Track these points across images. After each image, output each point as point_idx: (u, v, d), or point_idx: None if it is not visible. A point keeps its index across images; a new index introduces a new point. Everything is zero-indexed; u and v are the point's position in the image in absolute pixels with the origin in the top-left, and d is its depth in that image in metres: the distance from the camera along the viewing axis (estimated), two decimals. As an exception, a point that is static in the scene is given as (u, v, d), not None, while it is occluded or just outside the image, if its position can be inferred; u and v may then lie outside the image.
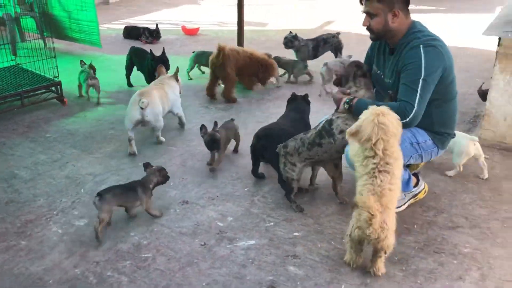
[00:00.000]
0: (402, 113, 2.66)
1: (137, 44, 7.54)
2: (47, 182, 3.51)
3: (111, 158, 3.88)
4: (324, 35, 6.18)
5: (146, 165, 3.15)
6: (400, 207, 3.10)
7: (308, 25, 8.87)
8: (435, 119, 2.97)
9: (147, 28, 7.78)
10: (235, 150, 3.92)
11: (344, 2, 10.56)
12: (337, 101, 3.02)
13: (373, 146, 2.42)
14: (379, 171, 2.40)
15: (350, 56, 5.11)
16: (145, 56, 5.22)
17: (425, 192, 3.25)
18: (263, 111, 4.85)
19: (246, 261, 2.68)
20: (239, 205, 3.22)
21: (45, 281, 2.54)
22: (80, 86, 5.21)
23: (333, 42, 6.11)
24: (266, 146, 3.33)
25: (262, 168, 3.57)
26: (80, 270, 2.62)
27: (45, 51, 5.15)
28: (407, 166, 3.18)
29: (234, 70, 5.10)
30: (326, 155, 3.04)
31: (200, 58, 5.81)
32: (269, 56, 5.52)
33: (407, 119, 2.71)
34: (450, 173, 3.54)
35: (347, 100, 2.90)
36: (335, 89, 3.26)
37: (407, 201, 3.14)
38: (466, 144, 3.39)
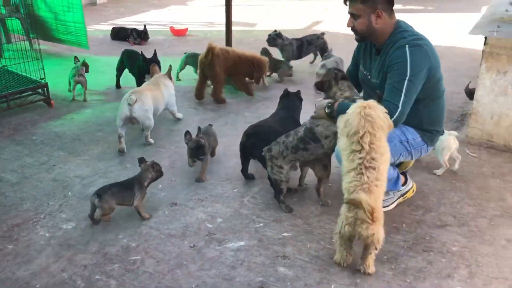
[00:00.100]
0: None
1: (124, 45, 7.51)
2: (34, 185, 3.47)
3: (99, 160, 3.84)
4: (308, 36, 6.20)
5: (141, 160, 3.17)
6: (388, 206, 3.12)
7: (297, 25, 8.88)
8: (424, 117, 2.99)
9: (135, 29, 7.74)
10: (212, 154, 3.85)
11: (332, 2, 10.58)
12: (320, 107, 3.00)
13: (360, 139, 2.41)
14: (366, 167, 2.40)
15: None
16: (138, 58, 5.18)
17: (413, 191, 3.27)
18: (252, 112, 4.85)
19: (236, 262, 2.67)
20: (228, 206, 3.21)
21: (32, 285, 2.51)
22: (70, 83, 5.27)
23: (317, 43, 6.13)
24: (256, 143, 3.32)
25: (252, 169, 3.56)
26: (68, 274, 2.59)
27: (31, 52, 5.09)
28: (396, 165, 3.20)
29: (224, 70, 5.07)
30: (313, 156, 3.05)
31: (191, 60, 5.78)
32: (266, 51, 5.60)
33: (392, 119, 2.72)
34: (439, 171, 3.56)
35: (329, 105, 2.87)
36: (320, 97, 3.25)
37: (395, 200, 3.15)
38: (446, 139, 3.41)
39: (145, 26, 7.78)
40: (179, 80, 5.83)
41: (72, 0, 6.23)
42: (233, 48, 5.49)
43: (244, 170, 3.52)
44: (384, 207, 3.06)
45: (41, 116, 4.74)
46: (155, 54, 5.07)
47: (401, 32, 2.85)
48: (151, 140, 4.10)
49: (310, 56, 6.41)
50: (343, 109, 2.69)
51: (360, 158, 2.41)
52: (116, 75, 5.53)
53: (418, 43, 2.78)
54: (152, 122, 4.07)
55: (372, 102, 2.47)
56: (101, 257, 2.71)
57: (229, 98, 5.24)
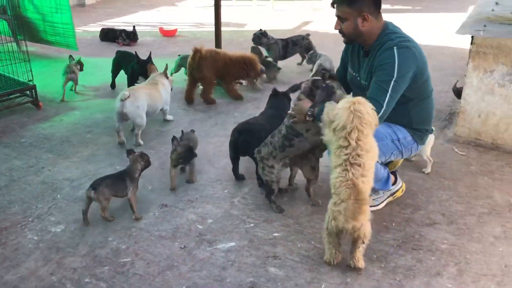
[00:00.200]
0: None
1: (114, 46, 7.49)
2: (22, 188, 3.44)
3: (89, 162, 3.82)
4: (293, 37, 6.23)
5: (129, 152, 3.21)
6: (378, 205, 3.14)
7: (286, 25, 8.90)
8: (413, 116, 3.02)
9: (124, 30, 7.70)
10: None
11: (322, 2, 10.61)
12: (299, 111, 2.93)
13: (347, 135, 2.42)
14: (351, 164, 2.41)
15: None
16: (132, 59, 5.15)
17: (402, 190, 3.29)
18: (242, 112, 4.85)
19: (226, 263, 2.67)
20: (218, 207, 3.20)
21: (21, 289, 2.49)
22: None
23: (302, 43, 6.16)
24: (248, 140, 3.33)
25: (242, 169, 3.56)
26: (57, 277, 2.57)
27: (19, 54, 5.05)
28: (386, 164, 3.22)
29: (213, 72, 5.06)
30: (300, 150, 3.05)
31: (185, 62, 5.74)
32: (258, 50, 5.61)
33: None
34: (427, 169, 3.59)
35: (309, 113, 2.85)
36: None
37: (385, 199, 3.17)
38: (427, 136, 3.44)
39: (134, 27, 7.75)
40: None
41: (60, 1, 6.17)
42: (223, 50, 5.46)
43: (235, 169, 3.51)
44: (374, 206, 3.09)
45: (29, 118, 4.70)
46: (149, 57, 5.01)
47: (389, 34, 2.86)
48: (141, 141, 4.09)
49: (298, 57, 6.43)
50: (321, 109, 2.71)
51: (346, 154, 2.42)
52: (112, 78, 5.43)
53: (406, 45, 2.80)
54: (143, 120, 4.08)
55: (361, 98, 2.48)
56: (90, 260, 2.70)
57: (219, 98, 5.23)
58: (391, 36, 2.84)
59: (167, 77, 4.58)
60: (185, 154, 3.36)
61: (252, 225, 3.01)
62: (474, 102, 3.98)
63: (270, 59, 5.94)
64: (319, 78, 3.09)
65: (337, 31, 3.01)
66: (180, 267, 2.64)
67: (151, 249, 2.79)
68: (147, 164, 3.23)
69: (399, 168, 3.54)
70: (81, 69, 5.45)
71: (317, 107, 2.81)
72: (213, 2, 6.23)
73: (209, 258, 2.71)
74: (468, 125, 4.06)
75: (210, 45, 6.25)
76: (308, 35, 6.25)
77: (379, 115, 2.71)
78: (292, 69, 6.23)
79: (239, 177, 3.52)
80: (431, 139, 3.45)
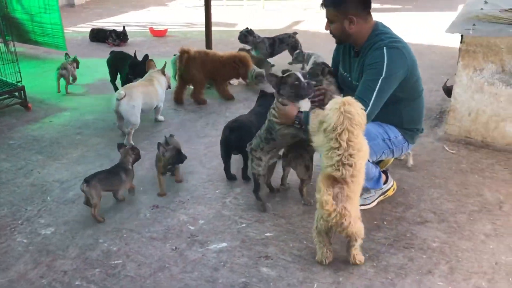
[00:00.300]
0: None
1: (103, 46, 7.44)
2: (11, 190, 3.40)
3: (78, 164, 3.79)
4: (280, 35, 6.24)
5: (120, 146, 3.32)
6: (369, 204, 3.14)
7: (277, 25, 8.89)
8: (404, 116, 3.03)
9: (114, 31, 7.65)
10: None
11: (312, 2, 10.62)
12: (285, 116, 2.90)
13: (338, 136, 2.42)
14: (343, 164, 2.41)
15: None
16: (128, 59, 5.08)
17: (394, 189, 3.30)
18: (233, 112, 4.83)
19: (218, 264, 2.66)
20: (210, 207, 3.19)
21: (10, 293, 2.46)
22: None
23: (289, 41, 6.17)
24: (240, 137, 3.33)
25: (233, 169, 3.55)
26: (47, 280, 2.54)
27: (7, 55, 4.99)
28: (377, 163, 3.22)
29: (204, 73, 5.04)
30: (283, 143, 3.06)
31: None
32: (246, 51, 5.57)
33: None
34: (410, 162, 3.61)
35: (296, 121, 2.84)
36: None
37: (376, 198, 3.18)
38: None
39: (124, 27, 7.69)
40: None
41: (48, 1, 6.12)
42: (214, 50, 5.44)
43: (227, 168, 3.50)
44: (365, 205, 3.10)
45: (18, 119, 4.65)
46: (145, 58, 4.91)
47: (379, 34, 2.86)
48: (132, 143, 4.06)
49: (288, 56, 6.43)
50: (308, 116, 2.73)
51: (339, 155, 2.42)
52: (111, 81, 5.28)
53: (396, 45, 2.80)
54: (138, 119, 4.11)
55: (350, 99, 2.48)
56: (81, 262, 2.67)
57: (210, 99, 5.21)
58: (381, 37, 2.84)
59: (164, 74, 4.60)
60: (174, 158, 3.30)
61: (244, 225, 3.00)
62: (464, 101, 4.01)
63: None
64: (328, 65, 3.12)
65: (328, 31, 3.02)
66: (172, 269, 2.62)
67: (142, 251, 2.77)
68: (138, 157, 3.35)
69: (390, 167, 3.55)
70: (77, 67, 5.53)
71: (302, 113, 2.82)
72: (203, 2, 6.21)
73: (200, 259, 2.70)
74: (458, 124, 4.09)
75: (200, 45, 6.26)
76: (295, 33, 6.26)
77: (365, 113, 2.72)
78: (283, 67, 6.20)
79: (231, 177, 3.51)
80: None
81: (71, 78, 5.42)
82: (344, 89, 3.19)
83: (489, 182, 3.47)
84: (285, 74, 2.88)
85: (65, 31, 6.43)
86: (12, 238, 2.89)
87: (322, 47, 6.42)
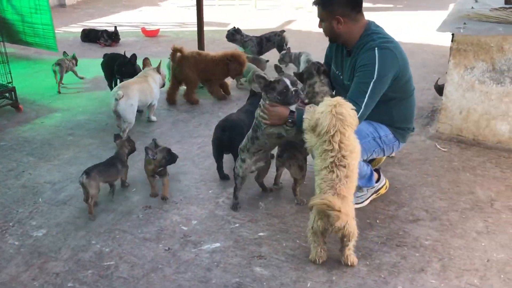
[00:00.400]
0: None
1: (95, 47, 7.41)
2: (2, 192, 3.37)
3: (70, 165, 3.76)
4: (267, 34, 6.27)
5: (117, 137, 3.42)
6: (362, 202, 3.15)
7: (270, 24, 8.89)
8: (395, 116, 3.03)
9: (105, 31, 7.62)
10: None
11: (305, 1, 10.63)
12: (276, 117, 2.87)
13: (331, 138, 2.43)
14: (336, 165, 2.42)
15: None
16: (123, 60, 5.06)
17: (386, 187, 3.31)
18: (226, 112, 4.80)
19: (212, 264, 2.65)
20: (203, 208, 3.18)
21: (1, 296, 2.45)
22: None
23: (275, 40, 6.18)
24: (233, 136, 3.34)
25: (225, 169, 3.55)
26: (39, 282, 2.53)
27: (-3, 56, 4.96)
28: (369, 162, 3.23)
29: (197, 73, 5.03)
30: (267, 145, 3.04)
31: None
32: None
33: None
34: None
35: (289, 120, 2.83)
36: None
37: (369, 197, 3.19)
38: None
39: (115, 27, 7.67)
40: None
41: (39, 2, 6.08)
42: (207, 51, 5.41)
43: (219, 167, 3.50)
44: (358, 204, 3.10)
45: (9, 121, 4.62)
46: (132, 57, 4.92)
47: (371, 34, 2.87)
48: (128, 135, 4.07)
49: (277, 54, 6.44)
50: (301, 115, 2.73)
51: (332, 157, 2.43)
52: (108, 84, 5.25)
53: (387, 46, 2.80)
54: (133, 117, 4.16)
55: (340, 99, 2.49)
56: (73, 264, 2.66)
57: (202, 98, 5.21)
58: (373, 37, 2.84)
59: (159, 72, 4.62)
60: (166, 159, 3.21)
61: (237, 225, 3.00)
62: (455, 99, 4.03)
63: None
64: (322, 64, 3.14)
65: (321, 29, 3.03)
66: (165, 269, 2.61)
67: (135, 252, 2.76)
68: (133, 149, 3.43)
69: (382, 165, 3.56)
70: (76, 64, 5.66)
71: (295, 112, 2.82)
72: (195, 2, 6.19)
73: (194, 259, 2.69)
74: (450, 122, 4.11)
75: (192, 45, 6.25)
76: (282, 31, 6.27)
77: (358, 116, 2.72)
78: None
79: (223, 176, 3.51)
80: None
81: (73, 73, 5.62)
82: (336, 87, 3.20)
83: (480, 180, 3.49)
84: (274, 79, 2.87)
85: (56, 31, 6.40)
86: (3, 240, 2.86)
87: (315, 46, 6.45)
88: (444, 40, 6.28)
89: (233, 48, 6.04)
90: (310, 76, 3.17)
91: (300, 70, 5.39)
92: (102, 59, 5.22)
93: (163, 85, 4.74)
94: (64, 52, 5.68)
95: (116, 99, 4.00)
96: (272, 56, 6.24)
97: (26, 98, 5.12)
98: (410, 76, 3.00)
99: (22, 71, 6.04)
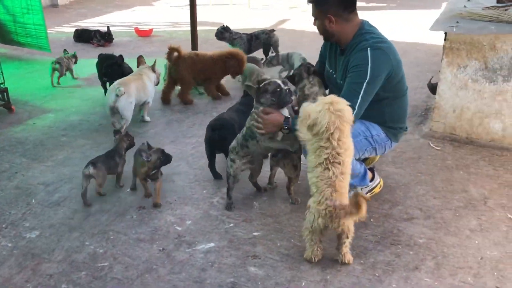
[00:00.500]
0: None
1: (88, 47, 7.37)
2: (-5, 194, 3.36)
3: (64, 166, 3.74)
4: (257, 31, 6.28)
5: (116, 132, 3.53)
6: (357, 201, 3.15)
7: (263, 24, 8.89)
8: (387, 116, 3.04)
9: (98, 31, 7.58)
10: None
11: (299, 1, 10.64)
12: (271, 124, 2.88)
13: (330, 136, 2.43)
14: (331, 162, 2.43)
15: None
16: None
17: (380, 186, 3.31)
18: (220, 112, 4.77)
19: (206, 264, 2.64)
20: (197, 208, 3.18)
21: (-6, 298, 2.43)
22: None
23: (262, 38, 6.18)
24: (224, 136, 3.34)
25: (219, 169, 3.54)
26: (33, 284, 2.51)
27: (-11, 57, 4.94)
28: (363, 161, 3.24)
29: (191, 74, 5.01)
30: (256, 153, 3.07)
31: None
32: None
33: None
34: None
35: (285, 127, 2.84)
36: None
37: (363, 196, 3.19)
38: None
39: (108, 27, 7.63)
40: None
41: (31, 2, 6.05)
42: (205, 51, 5.39)
43: (212, 166, 3.51)
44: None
45: (1, 122, 4.58)
46: (119, 57, 4.93)
47: (364, 34, 2.87)
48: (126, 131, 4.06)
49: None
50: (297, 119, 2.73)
51: (326, 153, 2.43)
52: (102, 85, 5.20)
53: (380, 46, 2.81)
54: (130, 114, 4.19)
55: (335, 97, 2.49)
56: (67, 265, 2.64)
57: (196, 99, 5.20)
58: (366, 36, 2.85)
59: (154, 71, 4.64)
60: (160, 160, 3.16)
61: (231, 225, 2.99)
62: (448, 98, 4.04)
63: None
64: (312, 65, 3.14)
65: (315, 27, 3.03)
66: (159, 270, 2.61)
67: (129, 253, 2.74)
68: (131, 144, 3.49)
69: (376, 164, 3.57)
70: (75, 62, 5.75)
71: (290, 118, 2.83)
72: (188, 1, 6.18)
73: (188, 259, 2.68)
74: (443, 120, 4.12)
75: (186, 45, 6.22)
76: (272, 30, 6.26)
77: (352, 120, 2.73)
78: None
79: (216, 175, 3.51)
80: None
81: (69, 72, 5.69)
82: (329, 86, 3.20)
83: (474, 178, 3.51)
84: (265, 82, 2.88)
85: (48, 31, 6.36)
86: (-4, 242, 2.85)
87: (308, 46, 6.45)
88: (437, 39, 6.31)
89: (226, 47, 6.04)
90: (300, 79, 3.17)
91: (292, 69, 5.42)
92: (97, 59, 5.20)
93: (158, 83, 4.74)
94: (65, 50, 5.75)
95: (117, 95, 4.01)
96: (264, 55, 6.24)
97: (18, 99, 5.09)
98: (402, 76, 3.00)
99: (15, 71, 6.00)
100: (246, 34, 6.17)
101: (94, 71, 5.24)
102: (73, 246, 2.80)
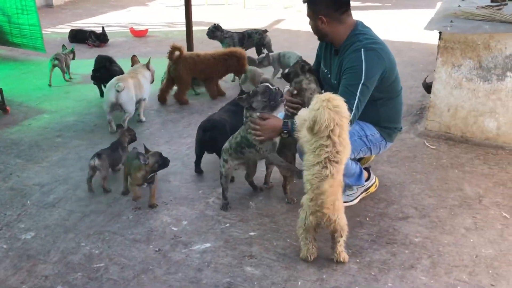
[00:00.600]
0: None
1: (83, 47, 7.34)
2: (-11, 195, 3.34)
3: (59, 167, 3.73)
4: (249, 30, 6.30)
5: (118, 126, 3.78)
6: (352, 201, 3.16)
7: (258, 24, 8.89)
8: (381, 116, 3.04)
9: (93, 31, 7.56)
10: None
11: (293, 0, 10.65)
12: (269, 130, 2.89)
13: (331, 132, 2.43)
14: (330, 161, 2.43)
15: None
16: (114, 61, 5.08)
17: (376, 186, 3.32)
18: (216, 112, 4.81)
19: (202, 264, 2.64)
20: (193, 208, 3.18)
21: (-10, 300, 2.42)
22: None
23: (255, 37, 6.20)
24: (215, 137, 3.37)
25: (214, 168, 3.54)
26: (28, 286, 2.50)
27: (-16, 57, 4.92)
28: (358, 160, 3.25)
29: (190, 74, 5.01)
30: (251, 160, 3.11)
31: None
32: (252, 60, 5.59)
33: None
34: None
35: (285, 131, 2.85)
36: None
37: (359, 195, 3.20)
38: None
39: (103, 28, 7.62)
40: None
41: (26, 2, 6.03)
42: (205, 51, 5.39)
43: (197, 162, 3.58)
44: (348, 202, 3.11)
45: (-4, 123, 4.58)
46: (106, 61, 4.94)
47: (357, 35, 2.87)
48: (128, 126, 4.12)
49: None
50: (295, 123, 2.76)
51: (327, 152, 2.44)
52: (98, 86, 5.21)
53: (373, 47, 2.81)
54: (134, 108, 4.34)
55: (331, 94, 2.49)
56: (63, 267, 2.64)
57: (192, 99, 5.19)
58: (359, 37, 2.85)
59: (148, 69, 4.70)
60: (158, 163, 3.11)
61: (227, 225, 2.99)
62: (443, 97, 4.06)
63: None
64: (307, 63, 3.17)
65: (310, 27, 3.04)
66: (155, 270, 2.60)
67: (125, 253, 2.74)
68: (133, 138, 3.64)
69: (372, 163, 3.58)
70: (73, 58, 5.84)
71: (289, 122, 2.84)
72: (183, 2, 6.17)
73: (184, 260, 2.68)
74: (438, 119, 4.14)
75: (181, 45, 6.21)
76: (265, 31, 6.27)
77: (350, 118, 2.73)
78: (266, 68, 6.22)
79: (199, 170, 3.58)
80: None
81: (66, 68, 5.74)
82: (324, 86, 3.20)
83: (469, 176, 3.52)
84: (252, 89, 2.93)
85: (43, 32, 6.34)
86: (-9, 243, 2.84)
87: (303, 46, 6.46)
88: (432, 38, 6.32)
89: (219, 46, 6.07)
90: (296, 75, 3.17)
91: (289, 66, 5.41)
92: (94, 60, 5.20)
93: (153, 81, 4.80)
94: (63, 46, 5.83)
95: (118, 91, 4.10)
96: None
97: (13, 99, 5.07)
98: (397, 77, 3.01)
99: (9, 72, 5.98)
100: (237, 33, 6.18)
101: (89, 72, 5.21)
102: (69, 247, 2.80)
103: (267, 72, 5.63)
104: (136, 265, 2.64)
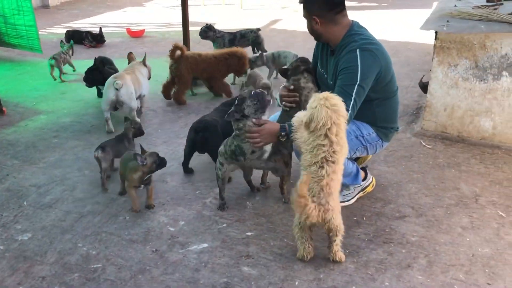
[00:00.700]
0: None
1: (80, 48, 7.32)
2: (-14, 196, 3.33)
3: (56, 167, 3.73)
4: (243, 30, 6.30)
5: (125, 119, 3.72)
6: (349, 200, 3.17)
7: (255, 24, 8.88)
8: (377, 115, 3.05)
9: (90, 32, 7.55)
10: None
11: (290, 1, 10.65)
12: (267, 136, 2.90)
13: (328, 131, 2.44)
14: (326, 161, 2.44)
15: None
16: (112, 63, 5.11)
17: (373, 185, 3.33)
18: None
19: (199, 264, 2.64)
20: (190, 208, 3.18)
21: (-14, 301, 2.41)
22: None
23: (250, 36, 6.20)
24: (207, 137, 3.41)
25: (210, 166, 3.54)
26: (25, 287, 2.50)
27: (-20, 58, 4.91)
28: (355, 160, 3.25)
29: (191, 74, 5.01)
30: (246, 166, 3.15)
31: None
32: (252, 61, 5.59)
33: None
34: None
35: (283, 134, 2.86)
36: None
37: (356, 195, 3.21)
38: None
39: (100, 28, 7.61)
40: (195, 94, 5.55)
41: (22, 3, 6.01)
42: (207, 51, 5.40)
43: (185, 163, 3.59)
44: (345, 202, 3.12)
45: (-8, 124, 4.57)
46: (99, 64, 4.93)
47: (353, 35, 2.88)
48: (138, 120, 4.06)
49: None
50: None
51: (324, 151, 2.44)
52: (97, 88, 5.19)
53: (369, 48, 2.82)
54: (136, 102, 4.37)
55: (328, 93, 2.50)
56: (60, 267, 2.63)
57: (189, 99, 5.19)
58: (355, 38, 2.85)
59: (145, 65, 4.75)
60: (156, 164, 3.07)
61: (224, 225, 2.99)
62: (439, 96, 4.07)
63: None
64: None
65: (306, 27, 3.05)
66: (152, 271, 2.60)
67: (122, 254, 2.74)
68: (138, 131, 3.68)
69: (369, 163, 3.58)
70: (72, 54, 5.91)
71: (286, 125, 2.85)
72: (180, 2, 6.17)
73: (181, 260, 2.68)
74: (435, 119, 4.15)
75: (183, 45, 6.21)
76: (258, 29, 6.28)
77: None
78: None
79: (188, 170, 3.60)
80: None
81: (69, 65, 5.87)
82: (321, 86, 3.21)
83: (465, 176, 3.53)
84: (237, 99, 2.95)
85: (40, 33, 6.33)
86: (-13, 245, 2.83)
87: (300, 46, 6.46)
88: (428, 38, 6.33)
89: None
90: (293, 72, 3.18)
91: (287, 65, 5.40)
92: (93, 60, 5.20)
93: (149, 78, 4.84)
94: (61, 41, 5.90)
95: (117, 89, 4.11)
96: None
97: (9, 100, 5.05)
98: (392, 77, 3.01)
99: (6, 73, 5.97)
100: (229, 33, 6.19)
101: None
102: (66, 248, 2.79)
103: (263, 73, 5.62)
104: (133, 266, 2.64)
